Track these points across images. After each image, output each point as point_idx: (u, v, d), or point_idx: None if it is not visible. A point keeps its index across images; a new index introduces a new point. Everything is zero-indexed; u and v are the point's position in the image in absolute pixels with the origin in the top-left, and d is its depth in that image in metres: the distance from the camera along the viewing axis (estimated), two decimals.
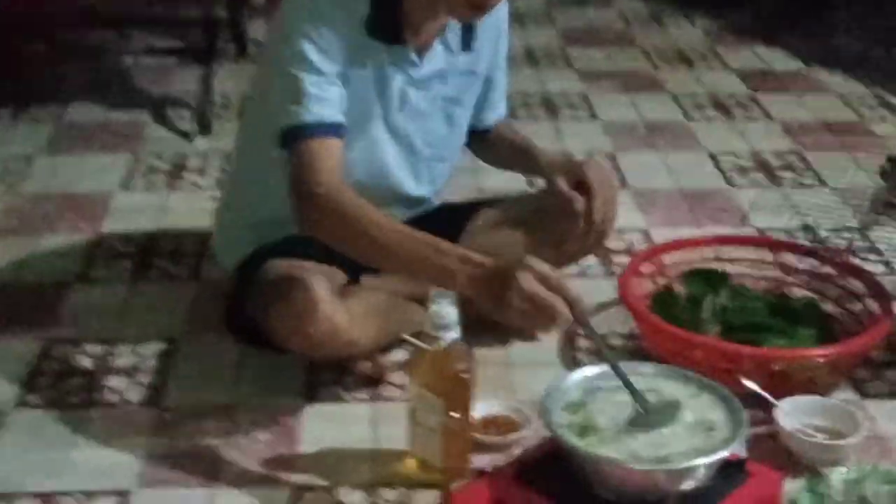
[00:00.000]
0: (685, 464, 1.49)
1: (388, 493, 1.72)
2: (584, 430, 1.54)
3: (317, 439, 1.84)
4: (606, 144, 3.07)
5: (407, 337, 1.69)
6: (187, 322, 2.18)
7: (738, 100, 3.43)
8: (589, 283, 2.28)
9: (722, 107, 3.37)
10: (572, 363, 2.04)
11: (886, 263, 2.44)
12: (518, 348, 2.09)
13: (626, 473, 1.50)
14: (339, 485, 1.73)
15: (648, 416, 1.54)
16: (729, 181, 2.85)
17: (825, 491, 1.66)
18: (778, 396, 1.87)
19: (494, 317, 1.60)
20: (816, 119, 3.28)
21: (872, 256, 2.48)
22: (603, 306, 2.24)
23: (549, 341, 2.11)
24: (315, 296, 1.75)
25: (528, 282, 1.54)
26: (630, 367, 1.65)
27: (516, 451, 1.80)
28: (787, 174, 2.89)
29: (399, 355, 2.04)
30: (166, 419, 1.89)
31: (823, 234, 2.56)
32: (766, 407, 1.85)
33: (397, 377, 1.99)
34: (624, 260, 2.37)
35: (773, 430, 1.80)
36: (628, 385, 1.56)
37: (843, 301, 2.11)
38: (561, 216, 1.96)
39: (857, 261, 2.36)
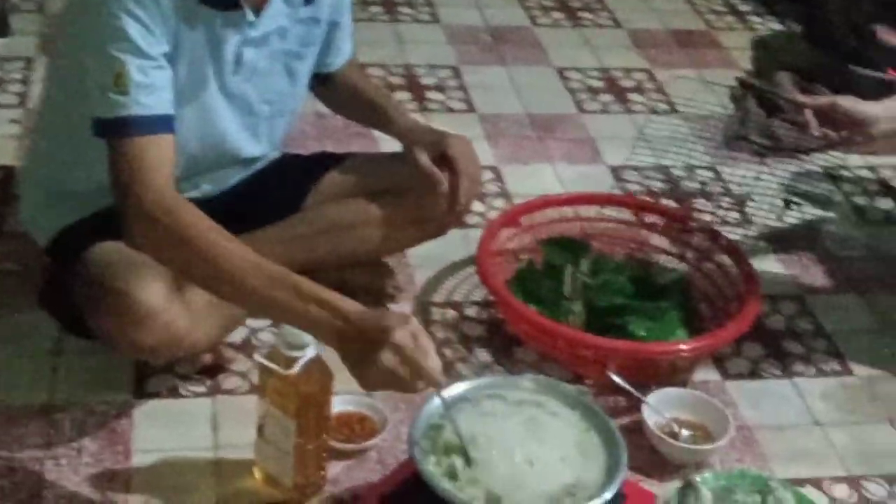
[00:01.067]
0: None
1: None
2: (452, 472, 1.42)
3: (151, 447, 1.65)
4: (450, 57, 2.88)
5: (259, 359, 1.51)
6: None
7: (584, 1, 3.28)
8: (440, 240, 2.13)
9: (568, 9, 3.21)
10: None
11: (740, 210, 2.38)
12: None
13: None
14: None
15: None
16: (579, 105, 2.72)
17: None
18: (642, 380, 1.79)
19: (350, 372, 1.43)
20: (665, 27, 3.17)
21: (726, 202, 2.42)
22: (457, 267, 2.11)
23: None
24: (150, 306, 1.54)
25: (390, 357, 1.35)
26: (511, 382, 1.54)
27: (372, 455, 1.68)
28: (637, 98, 2.79)
29: (240, 335, 1.87)
30: None
31: (677, 174, 2.48)
32: (633, 398, 1.78)
33: (238, 363, 1.82)
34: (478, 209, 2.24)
35: (639, 421, 1.73)
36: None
37: (710, 275, 2.04)
38: (421, 192, 1.79)
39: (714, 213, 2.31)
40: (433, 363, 1.37)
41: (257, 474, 1.61)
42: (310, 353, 1.49)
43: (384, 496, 1.48)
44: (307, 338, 1.47)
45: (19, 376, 1.76)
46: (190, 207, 1.46)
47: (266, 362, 1.49)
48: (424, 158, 1.76)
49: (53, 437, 1.66)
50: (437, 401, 1.49)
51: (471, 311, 2.01)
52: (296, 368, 1.48)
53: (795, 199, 2.39)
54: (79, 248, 1.66)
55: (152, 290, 1.55)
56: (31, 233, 1.81)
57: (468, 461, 1.40)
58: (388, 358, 1.35)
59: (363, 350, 1.36)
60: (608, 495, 1.41)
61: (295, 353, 1.48)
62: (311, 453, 1.56)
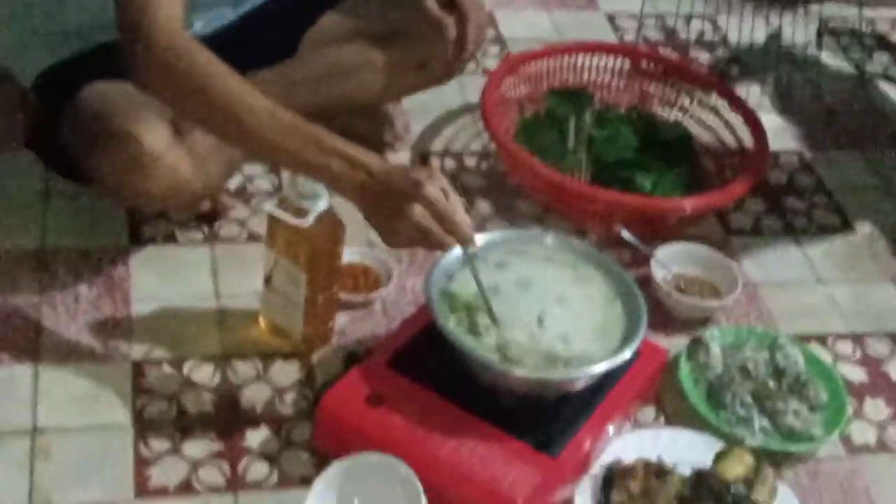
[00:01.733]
0: (577, 373, 1.37)
1: (242, 367, 1.53)
2: (474, 325, 1.39)
3: (150, 295, 1.61)
4: None
5: (269, 209, 1.45)
6: None
7: None
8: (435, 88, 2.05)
9: None
10: None
11: (736, 58, 2.33)
12: None
13: (516, 378, 1.37)
14: (183, 357, 1.53)
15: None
16: None
17: (704, 360, 1.60)
18: (646, 235, 1.77)
19: (375, 229, 1.37)
20: None
21: (721, 51, 2.37)
22: (454, 115, 2.05)
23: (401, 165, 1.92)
24: (152, 150, 1.46)
25: (422, 212, 1.29)
26: (532, 237, 1.50)
27: (377, 307, 1.65)
28: None
29: (237, 182, 1.81)
30: None
31: (671, 22, 2.42)
32: (639, 253, 1.76)
33: (236, 210, 1.76)
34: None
35: (645, 276, 1.71)
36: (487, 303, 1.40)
37: (714, 127, 2.00)
38: (426, 38, 1.71)
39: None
40: (464, 218, 1.32)
41: (263, 324, 1.57)
42: (322, 203, 1.44)
43: (398, 350, 1.45)
44: (320, 187, 1.42)
45: (7, 221, 1.69)
46: (204, 51, 1.36)
47: (278, 212, 1.44)
48: (431, 2, 1.68)
49: (48, 284, 1.60)
50: (451, 254, 1.46)
51: (470, 162, 1.96)
52: (309, 219, 1.43)
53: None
54: (71, 88, 1.57)
55: (156, 133, 1.47)
56: (9, 65, 1.71)
57: (492, 317, 1.38)
58: (418, 212, 1.29)
59: (389, 205, 1.31)
60: (627, 354, 1.40)
61: (307, 204, 1.43)
62: (321, 305, 1.52)
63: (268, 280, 1.52)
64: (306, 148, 1.33)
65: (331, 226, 1.47)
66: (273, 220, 1.47)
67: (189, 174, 1.52)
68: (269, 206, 1.45)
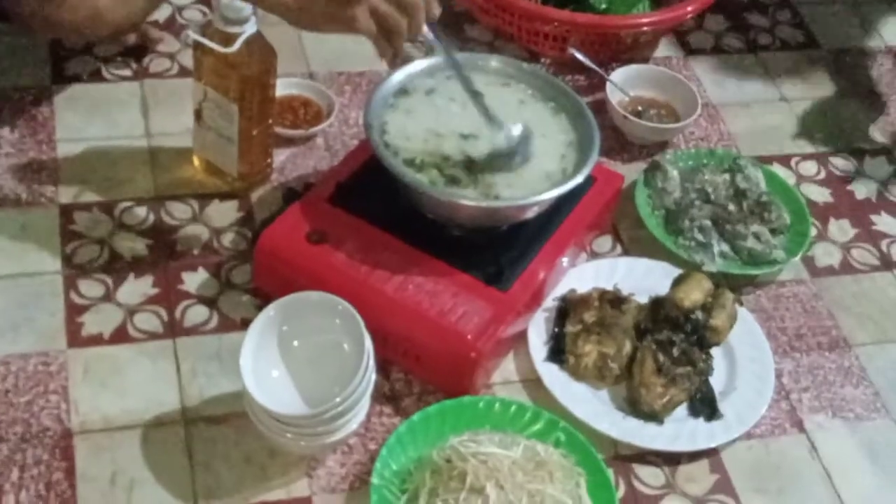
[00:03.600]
0: (526, 200, 1.30)
1: (177, 208, 1.45)
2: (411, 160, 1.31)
3: (77, 136, 1.51)
4: None
5: (194, 35, 1.34)
6: None
7: None
8: None
9: None
10: None
11: None
12: None
13: (466, 208, 1.30)
14: (114, 199, 1.45)
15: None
16: None
17: (662, 185, 1.53)
18: (602, 57, 1.68)
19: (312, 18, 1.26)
20: None
21: None
22: None
23: None
24: None
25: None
26: (469, 61, 1.41)
27: (318, 142, 1.56)
28: None
29: (165, 13, 1.70)
30: None
31: None
32: (594, 76, 1.68)
33: (165, 43, 1.66)
34: None
35: (601, 100, 1.63)
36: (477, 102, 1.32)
37: None
38: None
39: None
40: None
41: (197, 163, 1.49)
42: (250, 27, 1.33)
43: (340, 184, 1.37)
44: (247, 10, 1.32)
45: None
46: None
47: (202, 39, 1.33)
48: None
49: None
50: (388, 83, 1.38)
51: None
52: (236, 46, 1.32)
53: None
54: None
55: None
56: None
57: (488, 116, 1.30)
58: (358, 18, 1.19)
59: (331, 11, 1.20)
60: (580, 178, 1.32)
61: (234, 29, 1.32)
62: (257, 139, 1.43)
63: (198, 115, 1.43)
64: None
65: (261, 52, 1.37)
66: (199, 50, 1.36)
67: (108, 4, 1.41)
68: (192, 34, 1.35)
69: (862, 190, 1.64)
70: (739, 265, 1.46)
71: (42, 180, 1.45)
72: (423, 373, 1.30)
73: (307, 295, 1.20)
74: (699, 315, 1.34)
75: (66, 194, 1.44)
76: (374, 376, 1.19)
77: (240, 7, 1.31)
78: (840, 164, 1.67)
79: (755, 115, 1.72)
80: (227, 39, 1.33)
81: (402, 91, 1.39)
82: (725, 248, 1.47)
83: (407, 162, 1.31)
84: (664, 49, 1.79)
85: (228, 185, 1.47)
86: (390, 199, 1.34)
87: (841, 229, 1.58)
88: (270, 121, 1.45)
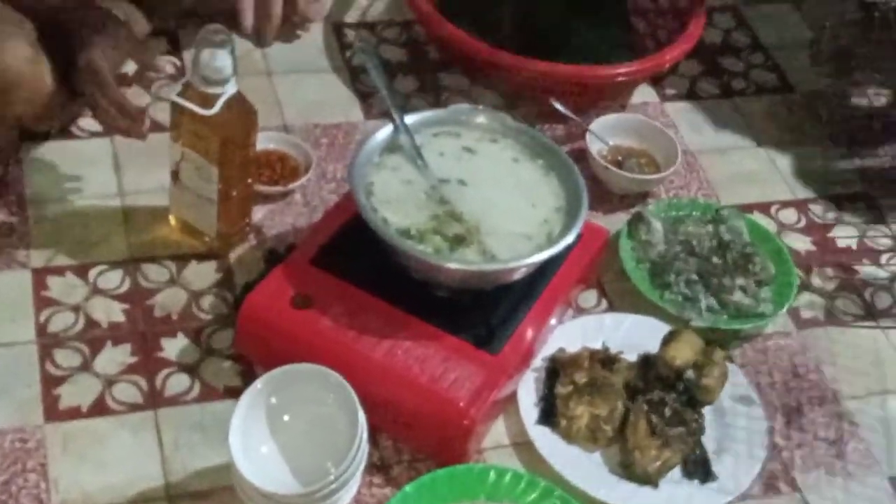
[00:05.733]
0: (516, 263, 1.28)
1: (154, 270, 1.41)
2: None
3: (48, 196, 1.46)
4: None
5: (173, 97, 1.31)
6: None
7: None
8: None
9: None
10: (345, 67, 1.73)
11: None
12: (278, 52, 1.72)
13: (456, 273, 1.27)
14: (89, 262, 1.40)
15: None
16: None
17: (646, 237, 1.51)
18: (580, 106, 1.67)
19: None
20: None
21: None
22: None
23: (314, 38, 1.77)
24: (14, 72, 1.32)
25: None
26: (454, 115, 1.40)
27: (297, 197, 1.53)
28: None
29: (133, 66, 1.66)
30: None
31: None
32: (572, 125, 1.66)
33: (135, 97, 1.61)
34: None
35: (580, 150, 1.62)
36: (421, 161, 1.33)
37: None
38: None
39: None
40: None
41: (173, 223, 1.45)
42: (230, 87, 1.30)
43: (323, 246, 1.34)
44: (227, 70, 1.29)
45: None
46: None
47: (182, 101, 1.30)
48: None
49: None
50: (379, 136, 1.35)
51: (390, 33, 1.82)
52: (217, 107, 1.29)
53: None
54: None
55: (15, 52, 1.33)
56: None
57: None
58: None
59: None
60: (570, 239, 1.30)
61: (214, 90, 1.29)
62: (236, 199, 1.40)
63: (175, 175, 1.39)
64: None
65: (242, 112, 1.34)
66: (177, 110, 1.33)
67: (50, 92, 1.37)
68: (172, 95, 1.31)
69: (843, 237, 1.63)
70: (727, 320, 1.45)
71: (13, 245, 1.40)
72: (413, 440, 1.27)
73: (297, 367, 1.17)
74: (691, 374, 1.32)
75: (38, 258, 1.40)
76: (367, 449, 1.16)
77: (220, 67, 1.28)
78: (819, 210, 1.66)
79: (733, 161, 1.72)
80: (207, 100, 1.30)
81: (388, 148, 1.36)
82: (712, 301, 1.46)
83: (401, 231, 1.28)
84: (640, 94, 1.78)
85: (206, 246, 1.43)
86: (375, 259, 1.31)
87: (824, 278, 1.57)
88: (250, 180, 1.42)
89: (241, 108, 1.33)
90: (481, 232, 1.29)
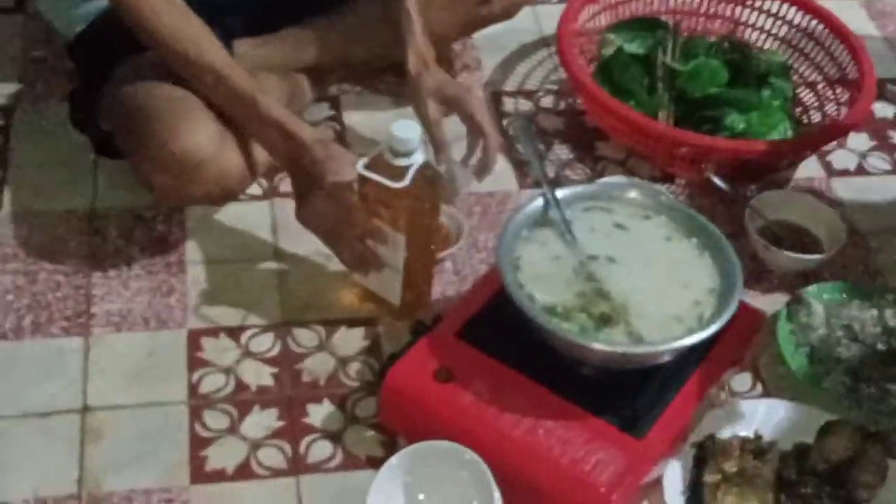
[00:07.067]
0: (660, 347, 1.25)
1: (304, 335, 1.42)
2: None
3: (208, 258, 1.50)
4: None
5: (363, 171, 1.31)
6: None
7: None
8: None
9: None
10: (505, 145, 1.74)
11: None
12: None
13: (602, 354, 1.25)
14: (242, 325, 1.43)
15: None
16: None
17: (806, 321, 1.46)
18: (739, 180, 1.62)
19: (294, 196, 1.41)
20: None
21: None
22: (528, 50, 1.91)
23: None
24: (201, 156, 1.36)
25: (323, 203, 1.35)
26: (605, 191, 1.38)
27: (447, 265, 1.53)
28: None
29: None
30: None
31: None
32: (730, 200, 1.62)
33: None
34: None
35: (740, 225, 1.57)
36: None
37: (812, 55, 1.82)
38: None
39: None
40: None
41: (355, 291, 1.45)
42: (418, 158, 1.30)
43: (469, 320, 1.33)
44: (416, 141, 1.29)
45: (57, 180, 1.60)
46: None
47: (371, 175, 1.30)
48: (434, 114, 1.50)
49: (99, 248, 1.51)
50: (528, 210, 1.34)
51: (546, 101, 1.82)
52: (407, 180, 1.29)
53: None
54: (107, 54, 1.46)
55: (202, 136, 1.36)
56: (52, 22, 1.61)
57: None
58: (320, 202, 1.34)
59: (309, 182, 1.35)
60: (722, 322, 1.26)
61: (403, 162, 1.29)
62: (420, 267, 1.40)
63: None
64: (244, 105, 1.36)
65: (428, 182, 1.33)
66: (364, 181, 1.33)
67: (240, 171, 1.42)
68: (360, 168, 1.31)
69: None
70: (890, 417, 1.37)
71: (172, 305, 1.45)
72: None
73: (431, 445, 1.16)
74: (848, 470, 1.26)
75: (194, 319, 1.44)
76: None
77: (408, 139, 1.28)
78: None
79: None
80: (396, 171, 1.30)
81: (538, 223, 1.35)
82: (874, 391, 1.39)
83: (547, 308, 1.26)
84: (805, 169, 1.72)
85: (388, 313, 1.44)
86: (520, 334, 1.29)
87: None
88: (434, 247, 1.42)
89: (428, 176, 1.33)
90: (629, 311, 1.26)
